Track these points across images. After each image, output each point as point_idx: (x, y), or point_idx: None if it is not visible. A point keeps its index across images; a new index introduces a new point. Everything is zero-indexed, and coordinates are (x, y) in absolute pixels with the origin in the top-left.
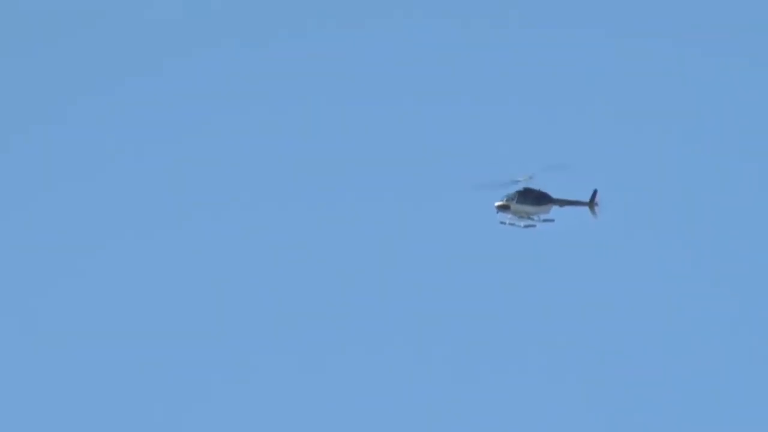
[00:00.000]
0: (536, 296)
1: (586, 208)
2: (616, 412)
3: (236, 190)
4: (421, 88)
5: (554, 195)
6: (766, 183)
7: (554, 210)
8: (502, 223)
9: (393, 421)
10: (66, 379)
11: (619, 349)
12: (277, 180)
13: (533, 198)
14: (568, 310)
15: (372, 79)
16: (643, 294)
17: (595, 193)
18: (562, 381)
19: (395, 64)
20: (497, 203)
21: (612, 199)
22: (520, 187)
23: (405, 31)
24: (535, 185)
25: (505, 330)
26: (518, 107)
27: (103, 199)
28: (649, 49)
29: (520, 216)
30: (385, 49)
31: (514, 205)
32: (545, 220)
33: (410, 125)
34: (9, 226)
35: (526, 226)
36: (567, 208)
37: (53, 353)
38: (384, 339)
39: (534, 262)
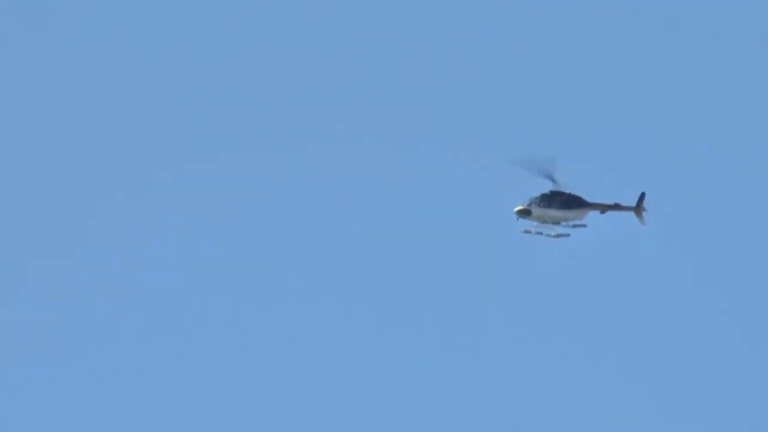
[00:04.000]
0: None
1: (632, 214)
2: None
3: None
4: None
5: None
6: None
7: (593, 216)
8: (526, 232)
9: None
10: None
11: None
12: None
13: (561, 202)
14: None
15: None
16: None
17: (642, 196)
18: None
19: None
20: (517, 208)
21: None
22: (546, 189)
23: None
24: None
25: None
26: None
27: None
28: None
29: (545, 223)
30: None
31: (536, 210)
32: (575, 226)
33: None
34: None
35: (557, 236)
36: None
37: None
38: (392, 360)
39: (561, 277)
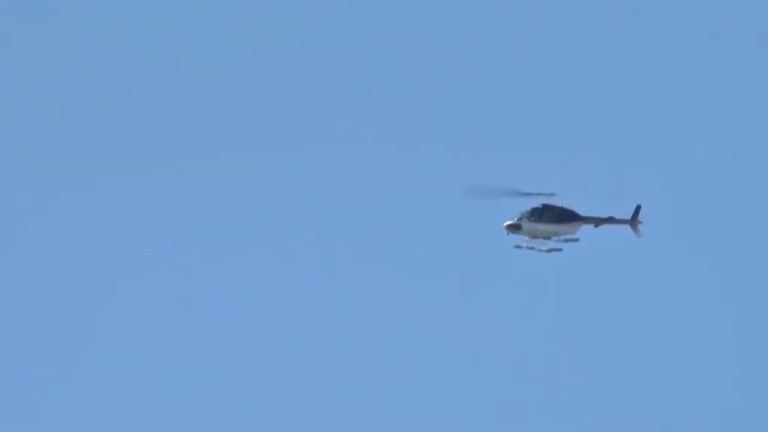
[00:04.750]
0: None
1: (627, 227)
2: None
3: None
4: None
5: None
6: None
7: (586, 229)
8: (517, 247)
9: None
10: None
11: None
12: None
13: (553, 216)
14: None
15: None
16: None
17: (638, 209)
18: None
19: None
20: (506, 223)
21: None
22: (537, 203)
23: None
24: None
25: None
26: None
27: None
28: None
29: (536, 237)
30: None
31: (526, 224)
32: (567, 240)
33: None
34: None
35: (549, 250)
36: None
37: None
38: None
39: (552, 293)
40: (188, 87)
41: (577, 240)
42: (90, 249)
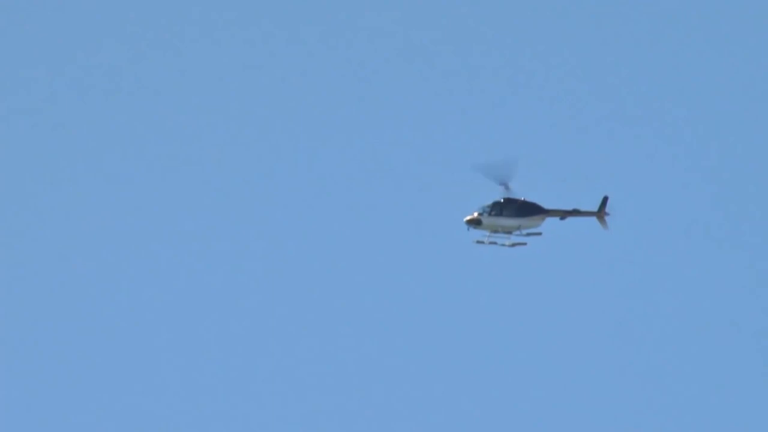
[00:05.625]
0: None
1: (594, 219)
2: None
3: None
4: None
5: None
6: None
7: (551, 223)
8: (478, 242)
9: None
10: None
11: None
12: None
13: (515, 209)
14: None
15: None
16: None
17: (605, 200)
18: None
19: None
20: (466, 218)
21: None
22: (498, 197)
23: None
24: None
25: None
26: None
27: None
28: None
29: (497, 232)
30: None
31: (486, 219)
32: (529, 234)
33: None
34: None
35: (513, 245)
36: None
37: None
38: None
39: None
40: (186, 85)
41: (539, 233)
42: (88, 249)
